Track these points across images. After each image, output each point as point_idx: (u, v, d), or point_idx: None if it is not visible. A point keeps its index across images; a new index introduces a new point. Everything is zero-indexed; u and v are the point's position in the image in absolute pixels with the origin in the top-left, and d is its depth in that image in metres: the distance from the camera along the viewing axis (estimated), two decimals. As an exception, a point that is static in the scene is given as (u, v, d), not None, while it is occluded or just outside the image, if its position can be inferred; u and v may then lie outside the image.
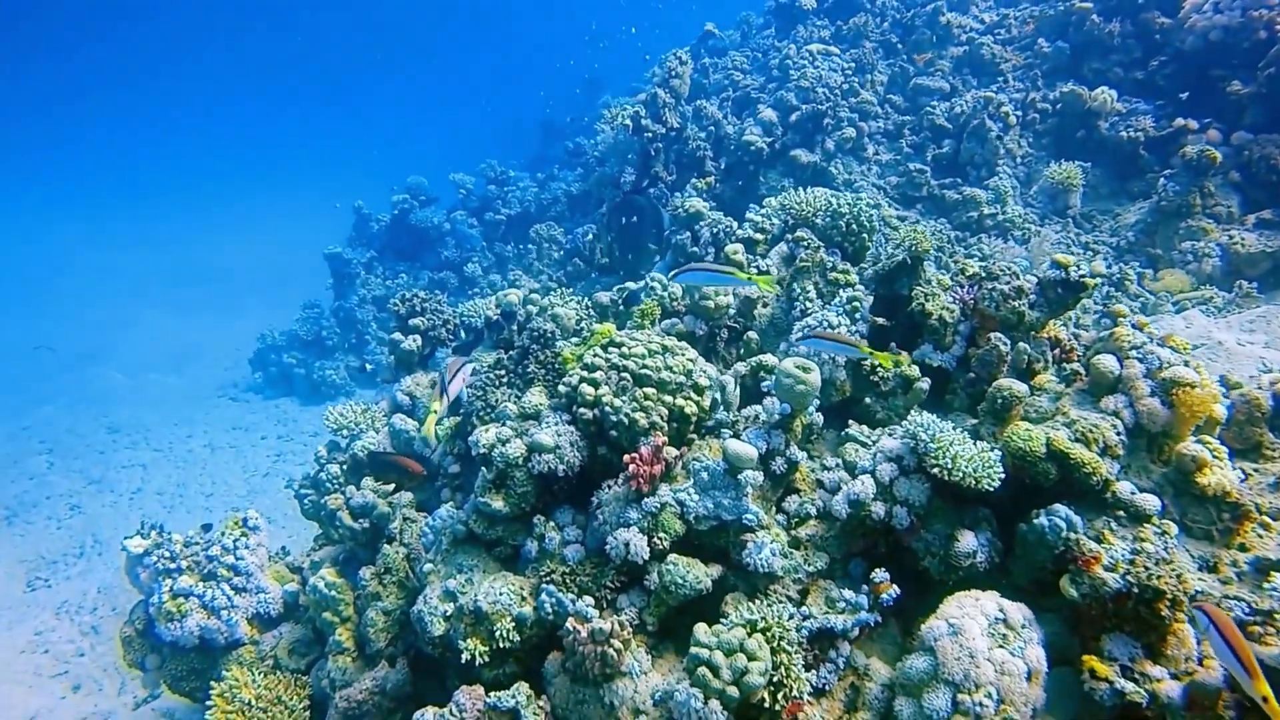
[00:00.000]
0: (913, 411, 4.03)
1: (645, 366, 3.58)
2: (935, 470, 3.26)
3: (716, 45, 11.33)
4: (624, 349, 3.68)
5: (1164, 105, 7.22)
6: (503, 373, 4.53)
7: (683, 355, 3.75)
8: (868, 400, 4.12)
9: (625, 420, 3.43)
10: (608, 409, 3.45)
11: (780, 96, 7.75)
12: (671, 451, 3.46)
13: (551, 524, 3.57)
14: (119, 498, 9.10)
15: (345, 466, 4.87)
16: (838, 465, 3.77)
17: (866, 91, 8.18)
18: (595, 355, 3.69)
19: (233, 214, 26.17)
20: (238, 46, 45.17)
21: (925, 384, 3.99)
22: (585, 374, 3.59)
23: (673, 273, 4.04)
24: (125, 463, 10.03)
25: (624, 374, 3.57)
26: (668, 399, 3.54)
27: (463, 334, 5.42)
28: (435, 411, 3.71)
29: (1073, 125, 7.36)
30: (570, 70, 23.10)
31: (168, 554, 4.41)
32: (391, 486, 4.38)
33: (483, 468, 3.61)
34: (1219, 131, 6.53)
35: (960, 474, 3.20)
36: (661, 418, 3.47)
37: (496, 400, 4.38)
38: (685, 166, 8.05)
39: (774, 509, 3.65)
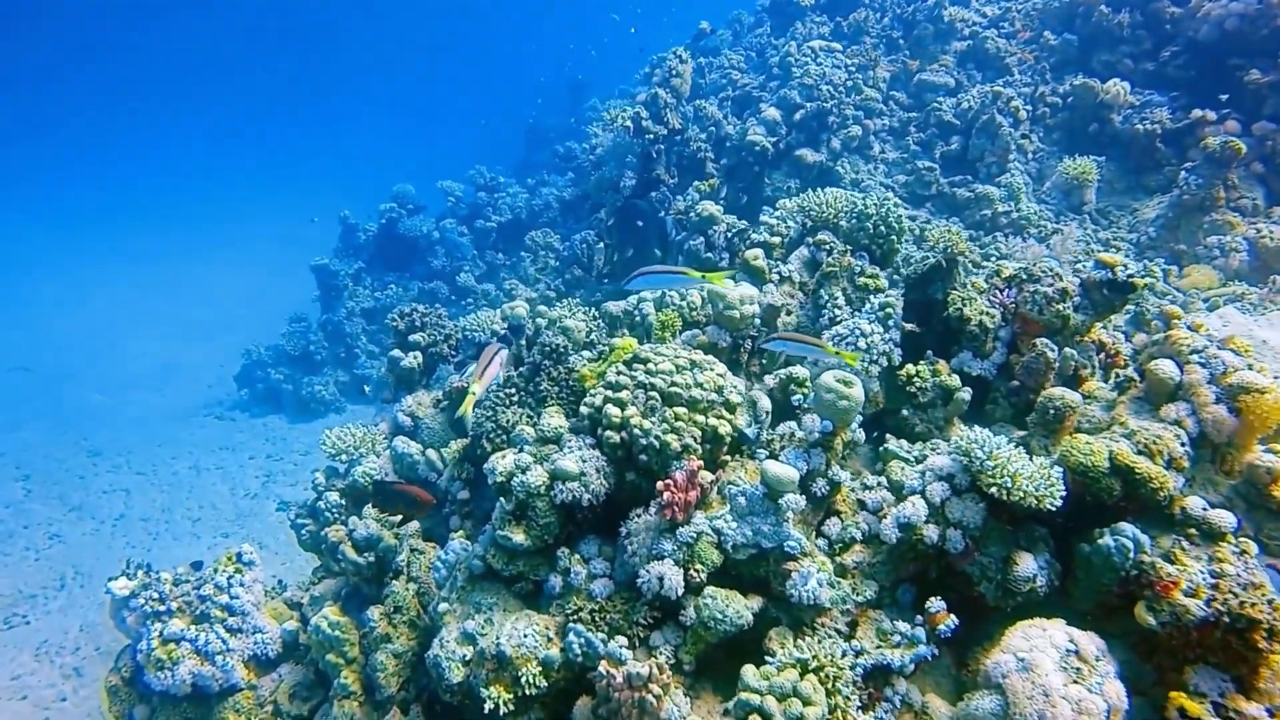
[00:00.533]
0: (959, 425, 3.82)
1: (674, 384, 3.32)
2: (992, 490, 3.03)
3: (709, 44, 11.10)
4: (650, 365, 3.42)
5: (1178, 97, 7.07)
6: (513, 391, 4.26)
7: (712, 370, 3.50)
8: (904, 412, 3.88)
9: (656, 443, 3.17)
10: (636, 431, 3.19)
11: (784, 95, 7.53)
12: (707, 476, 3.21)
13: (577, 557, 3.30)
14: (101, 525, 8.71)
15: (346, 494, 4.58)
16: (879, 484, 3.53)
17: (870, 88, 7.97)
18: (619, 373, 3.42)
19: (214, 226, 25.64)
20: (219, 57, 44.56)
21: (966, 394, 3.77)
22: (610, 393, 3.32)
23: (625, 281, 3.85)
24: (107, 487, 9.64)
25: (651, 393, 3.31)
26: (699, 418, 3.28)
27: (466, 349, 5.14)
28: (474, 394, 3.51)
29: (1084, 119, 7.18)
30: (554, 75, 22.85)
31: (156, 595, 4.10)
32: (399, 518, 4.09)
33: (500, 498, 3.33)
34: (1237, 122, 6.37)
35: (1021, 493, 2.97)
36: (694, 439, 3.21)
37: (508, 421, 4.12)
38: (686, 169, 7.80)
39: (814, 533, 3.41)
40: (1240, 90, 6.60)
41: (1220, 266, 5.65)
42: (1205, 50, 7.02)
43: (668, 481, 3.08)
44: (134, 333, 16.60)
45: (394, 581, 3.99)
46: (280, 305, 14.10)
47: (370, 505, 4.20)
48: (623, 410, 3.25)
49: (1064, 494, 2.98)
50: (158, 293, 19.40)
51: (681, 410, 3.27)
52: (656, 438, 3.17)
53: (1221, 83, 6.77)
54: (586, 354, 4.44)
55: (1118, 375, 3.53)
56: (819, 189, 5.09)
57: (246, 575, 4.32)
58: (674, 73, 7.35)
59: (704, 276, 3.59)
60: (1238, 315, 5.00)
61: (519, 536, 3.24)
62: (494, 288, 11.28)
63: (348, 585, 4.40)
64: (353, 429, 4.87)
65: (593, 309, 5.68)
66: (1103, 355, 3.86)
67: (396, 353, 5.01)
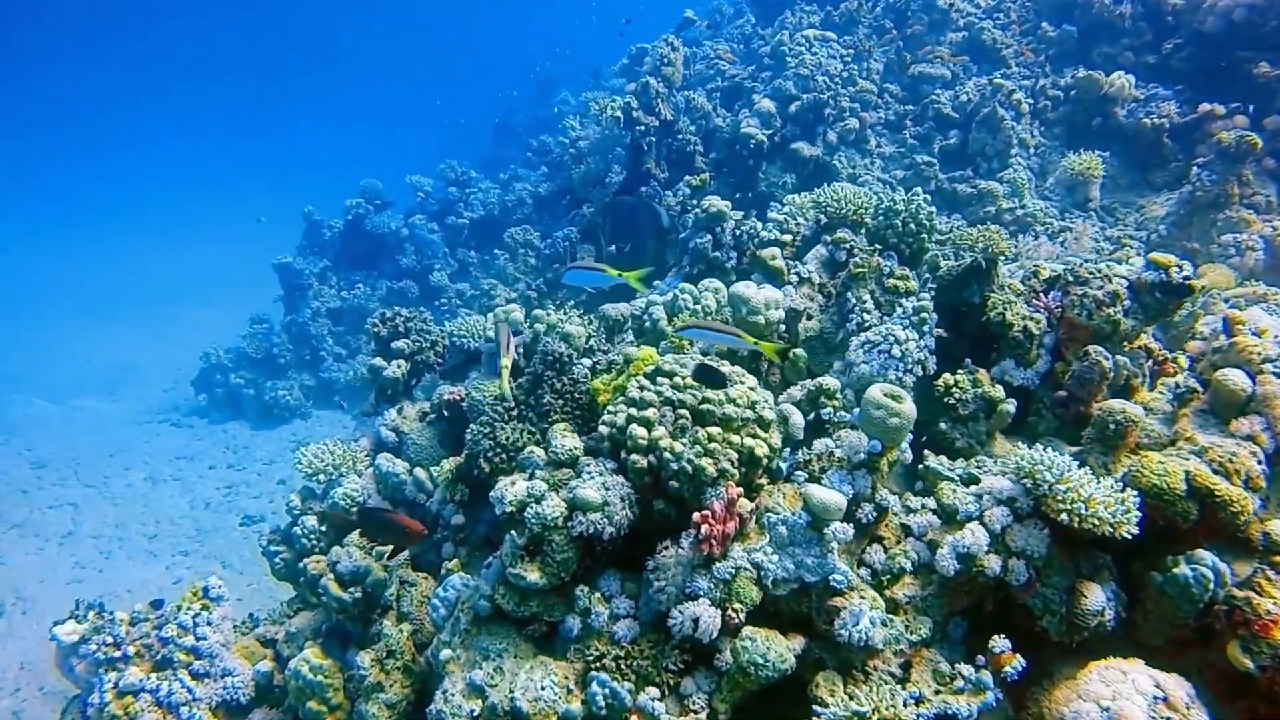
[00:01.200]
0: (1001, 439, 3.54)
1: (706, 400, 2.97)
2: (1062, 516, 2.74)
3: (689, 36, 10.76)
4: (676, 379, 3.06)
5: (1182, 90, 6.92)
6: (512, 405, 3.88)
7: (743, 383, 3.16)
8: (942, 425, 3.58)
9: (688, 468, 2.82)
10: (667, 455, 2.83)
11: (778, 85, 7.21)
12: (746, 505, 2.87)
13: (598, 595, 2.94)
14: (46, 544, 8.06)
15: (325, 519, 4.15)
16: (924, 506, 3.22)
17: (865, 80, 7.70)
18: (642, 388, 3.06)
19: (169, 223, 24.69)
20: (177, 52, 42.88)
21: (1011, 406, 3.48)
22: (634, 411, 2.96)
23: (559, 274, 3.77)
24: (53, 502, 8.95)
25: (681, 410, 2.96)
26: (734, 439, 2.94)
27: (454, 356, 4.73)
28: (507, 366, 3.40)
29: (1087, 113, 7.00)
30: (523, 69, 22.27)
31: (110, 639, 3.64)
32: (387, 548, 3.68)
33: (510, 531, 2.95)
34: (1246, 117, 6.23)
35: (1095, 520, 2.69)
36: (731, 463, 2.87)
37: (509, 438, 3.73)
38: (675, 162, 7.46)
39: (856, 563, 3.09)
40: (1248, 83, 6.46)
41: (1235, 265, 5.47)
42: (1210, 42, 6.88)
43: (705, 513, 2.74)
44: (82, 333, 15.75)
45: (384, 620, 3.59)
46: (240, 305, 13.42)
47: (357, 533, 3.78)
48: (650, 431, 2.90)
49: (1141, 520, 2.71)
50: (108, 292, 18.51)
51: (715, 430, 2.93)
52: (689, 461, 2.82)
53: (1228, 76, 6.64)
54: (586, 362, 4.07)
55: (1177, 386, 3.26)
56: (831, 184, 4.79)
57: (214, 612, 3.87)
58: (665, 60, 6.99)
59: (620, 274, 3.56)
60: (1265, 318, 4.80)
61: (534, 575, 2.87)
62: (469, 287, 10.82)
63: (329, 619, 3.98)
64: (331, 446, 4.43)
65: (587, 312, 5.31)
66: (1150, 362, 3.60)
67: (378, 361, 4.58)
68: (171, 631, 3.72)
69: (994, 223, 6.51)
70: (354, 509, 4.19)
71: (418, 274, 11.64)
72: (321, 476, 4.33)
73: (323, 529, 4.19)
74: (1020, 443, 3.59)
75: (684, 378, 3.05)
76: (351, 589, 3.64)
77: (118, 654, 3.60)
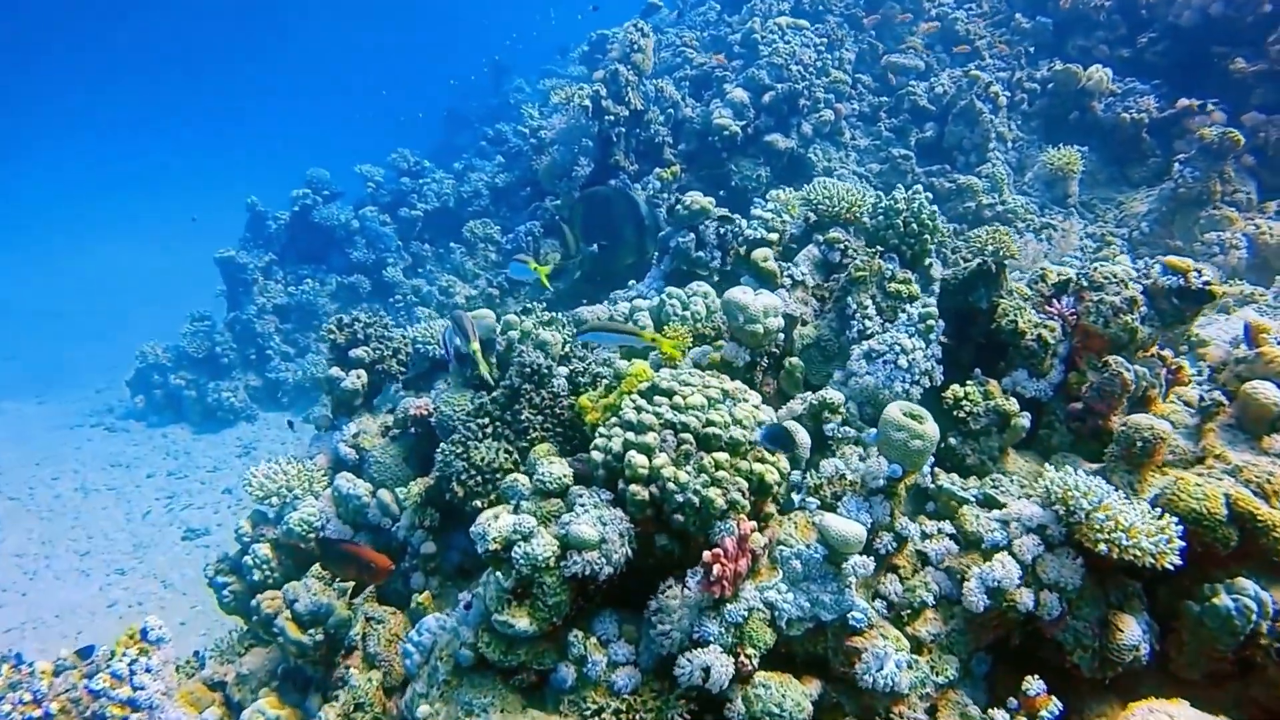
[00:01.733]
0: (1014, 455, 3.33)
1: (710, 423, 2.69)
2: (1101, 546, 2.53)
3: (654, 22, 10.41)
4: (676, 399, 2.77)
5: (1159, 85, 6.86)
6: (486, 421, 3.54)
7: (746, 401, 2.89)
8: (951, 440, 3.36)
9: (695, 500, 2.53)
10: (671, 486, 2.54)
11: (751, 75, 6.94)
12: (759, 540, 2.60)
13: (593, 641, 2.64)
14: (-36, 564, 7.43)
15: (280, 548, 3.76)
16: (939, 531, 2.99)
17: (837, 70, 7.48)
18: (638, 408, 2.76)
19: (101, 215, 23.41)
20: (106, 42, 40.53)
21: (1025, 420, 3.27)
22: (631, 436, 2.66)
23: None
24: (-30, 517, 8.29)
25: (684, 434, 2.67)
26: (743, 464, 2.66)
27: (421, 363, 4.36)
28: (478, 349, 3.50)
29: (1065, 106, 6.90)
30: (474, 56, 21.54)
31: (30, 695, 3.20)
32: (349, 584, 3.32)
33: (495, 573, 2.63)
34: (1223, 113, 6.19)
35: (1138, 551, 2.48)
36: (742, 493, 2.59)
37: (484, 459, 3.40)
38: (644, 154, 7.15)
39: (872, 595, 2.85)
40: (1224, 79, 6.43)
41: (1219, 264, 5.41)
42: (1186, 37, 6.84)
43: (717, 552, 2.46)
44: (3, 330, 14.77)
45: (349, 665, 3.23)
46: (178, 301, 12.69)
47: (317, 565, 3.41)
48: (650, 459, 2.60)
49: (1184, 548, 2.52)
50: (34, 288, 17.42)
51: (722, 456, 2.65)
52: (696, 493, 2.54)
53: (1203, 70, 6.60)
54: (563, 370, 3.75)
55: (1201, 399, 3.09)
56: (821, 180, 4.55)
57: (154, 656, 3.44)
58: (635, 47, 6.65)
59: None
60: (1257, 319, 4.72)
61: (523, 621, 2.55)
62: (425, 283, 10.34)
63: (285, 660, 3.60)
64: (284, 465, 4.03)
65: (559, 313, 4.99)
66: (1164, 371, 3.44)
67: (336, 371, 4.19)
68: (103, 682, 3.29)
69: (974, 219, 6.36)
70: (311, 536, 3.81)
71: (369, 268, 11.11)
72: (274, 500, 3.93)
73: (277, 559, 3.80)
74: (1031, 458, 3.41)
75: (685, 398, 2.76)
76: (312, 630, 3.27)
77: (38, 713, 3.17)
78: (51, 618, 6.43)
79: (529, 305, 4.43)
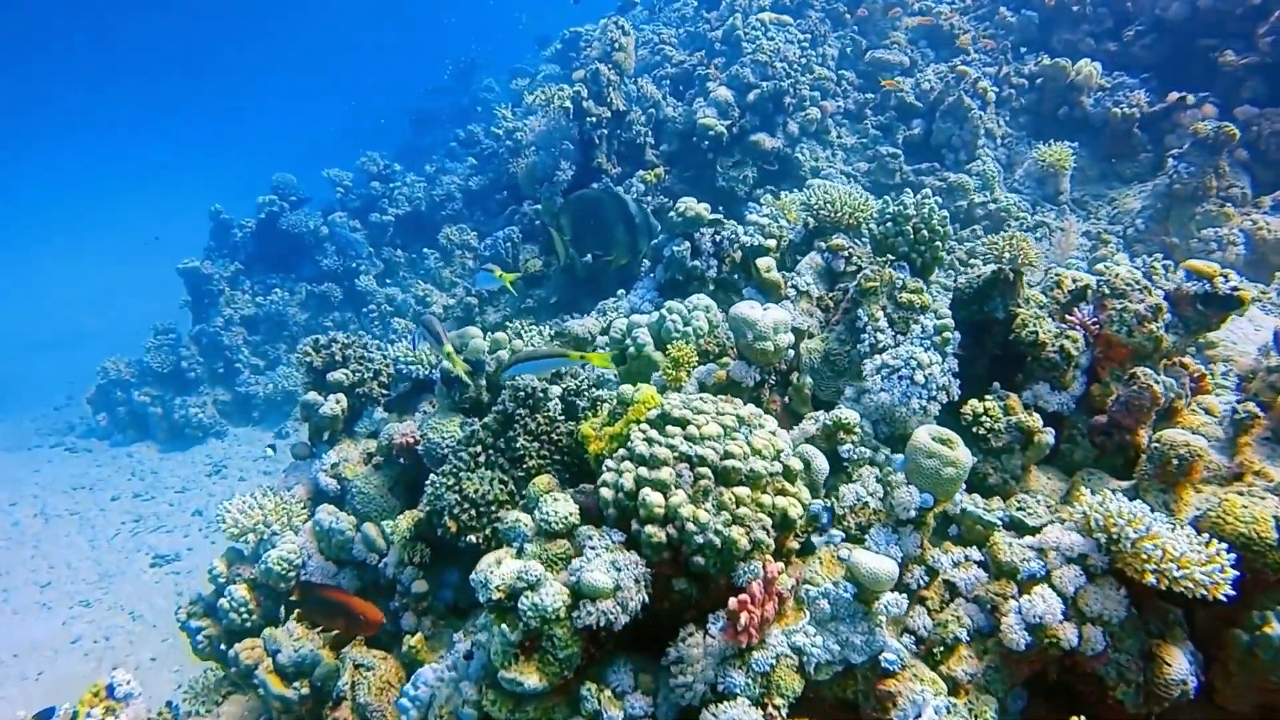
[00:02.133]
0: (1037, 473, 3.17)
1: (728, 454, 2.48)
2: (1150, 576, 2.38)
3: (629, 19, 10.18)
4: (690, 429, 2.56)
5: (1148, 79, 6.80)
6: (479, 450, 3.31)
7: (763, 428, 2.69)
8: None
9: (717, 541, 2.33)
10: (690, 527, 2.33)
11: (735, 73, 6.74)
12: (786, 581, 2.41)
13: (608, 695, 2.42)
14: (-84, 598, 7.02)
15: (258, 588, 3.51)
16: (966, 559, 2.83)
17: (821, 67, 7.32)
18: (648, 439, 2.55)
19: (56, 225, 22.62)
20: (65, 49, 39.19)
21: (1050, 436, 3.12)
22: (644, 472, 2.45)
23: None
24: (-78, 548, 7.85)
25: (701, 468, 2.47)
26: (765, 499, 2.47)
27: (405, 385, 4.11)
28: (451, 351, 3.43)
29: (1054, 101, 6.81)
30: (440, 55, 21.07)
31: (-13, 767, 2.93)
32: (334, 633, 3.07)
33: (500, 625, 2.40)
34: (1214, 106, 6.14)
35: (1191, 582, 2.33)
36: (766, 530, 2.39)
37: (478, 490, 3.18)
38: (626, 156, 6.93)
39: (900, 631, 2.68)
40: (1214, 72, 6.37)
41: (1217, 260, 5.32)
42: (1173, 29, 6.78)
43: (743, 599, 2.26)
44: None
45: (337, 718, 2.99)
46: (140, 314, 12.22)
47: (296, 613, 3.16)
48: (667, 497, 2.39)
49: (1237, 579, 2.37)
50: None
51: (742, 491, 2.45)
52: (717, 533, 2.33)
53: (1192, 64, 6.55)
54: (555, 390, 3.54)
55: (1234, 411, 2.96)
56: (822, 184, 4.38)
57: (122, 715, 3.18)
58: (616, 45, 6.42)
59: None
60: (1265, 318, 4.63)
61: (532, 679, 2.33)
62: (399, 291, 10.03)
63: (268, 712, 3.35)
64: (260, 499, 3.77)
65: (544, 327, 4.77)
66: (1187, 380, 3.30)
67: (313, 396, 3.92)
68: (66, 748, 3.02)
69: (966, 218, 6.24)
70: (292, 575, 3.55)
71: (340, 276, 10.76)
72: (250, 537, 3.67)
73: (255, 601, 3.54)
74: (1055, 475, 3.26)
75: (700, 427, 2.56)
76: (296, 683, 3.02)
77: (-4, 786, 2.90)
78: (9, 657, 6.06)
79: (510, 320, 4.22)
